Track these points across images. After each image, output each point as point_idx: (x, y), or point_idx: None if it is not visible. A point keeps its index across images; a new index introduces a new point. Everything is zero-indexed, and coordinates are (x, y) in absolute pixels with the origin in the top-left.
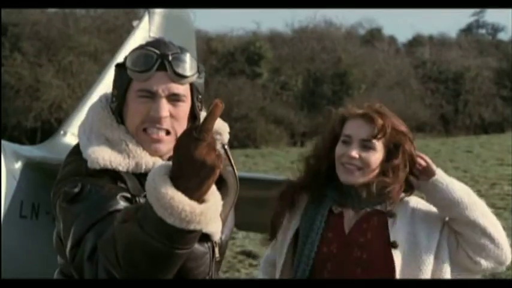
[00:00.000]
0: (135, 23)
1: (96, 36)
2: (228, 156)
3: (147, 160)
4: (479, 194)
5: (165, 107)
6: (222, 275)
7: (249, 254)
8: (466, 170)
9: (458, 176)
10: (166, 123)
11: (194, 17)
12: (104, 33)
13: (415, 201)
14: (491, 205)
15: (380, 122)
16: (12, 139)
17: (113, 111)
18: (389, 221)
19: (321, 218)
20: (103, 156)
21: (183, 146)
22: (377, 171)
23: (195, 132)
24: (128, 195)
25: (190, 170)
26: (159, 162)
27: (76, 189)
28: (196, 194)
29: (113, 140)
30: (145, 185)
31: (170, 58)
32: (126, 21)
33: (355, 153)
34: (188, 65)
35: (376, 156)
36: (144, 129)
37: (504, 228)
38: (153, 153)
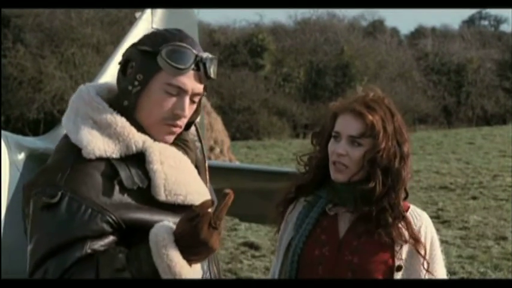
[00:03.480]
0: (137, 14)
1: (99, 28)
2: (198, 133)
3: (136, 140)
4: (482, 185)
5: (188, 106)
6: (225, 266)
7: (251, 245)
8: (468, 162)
9: (460, 167)
10: (184, 121)
11: (197, 9)
12: (106, 25)
13: (426, 222)
14: (493, 196)
15: (369, 118)
16: (15, 130)
17: (126, 93)
18: (397, 243)
19: (309, 220)
20: (98, 146)
21: (201, 231)
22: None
23: (213, 222)
24: (110, 219)
25: (199, 249)
26: (148, 141)
27: (54, 200)
28: (192, 263)
29: (100, 122)
30: (153, 245)
31: (205, 60)
32: (129, 13)
33: (342, 150)
34: (216, 69)
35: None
36: (165, 123)
37: (506, 220)
38: (164, 141)
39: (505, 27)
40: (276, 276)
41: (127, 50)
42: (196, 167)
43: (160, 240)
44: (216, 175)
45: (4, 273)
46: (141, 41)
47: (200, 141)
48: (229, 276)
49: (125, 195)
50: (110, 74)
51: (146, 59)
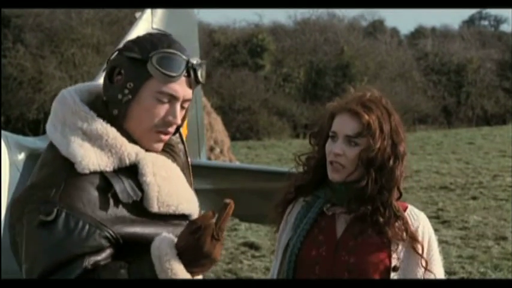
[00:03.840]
0: (137, 14)
1: (99, 28)
2: (180, 135)
3: (129, 152)
4: (482, 185)
5: (179, 112)
6: (225, 266)
7: (251, 246)
8: (468, 162)
9: (460, 167)
10: (175, 127)
11: (197, 9)
12: (106, 25)
13: (424, 222)
14: (493, 197)
15: (366, 118)
16: (15, 131)
17: (115, 102)
18: (393, 243)
19: (307, 221)
20: (92, 161)
21: (204, 244)
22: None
23: (215, 234)
24: (108, 234)
25: (202, 261)
26: (141, 153)
27: (50, 218)
28: (195, 275)
29: (91, 134)
30: (155, 259)
31: (195, 66)
32: (129, 13)
33: (338, 150)
34: (205, 73)
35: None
36: (156, 131)
37: (506, 220)
38: (153, 149)
39: (505, 27)
40: (275, 276)
41: (113, 57)
42: (182, 170)
43: (163, 254)
44: (216, 175)
45: (4, 273)
46: (128, 47)
47: (183, 143)
48: (229, 276)
49: (119, 208)
50: None
51: (136, 66)
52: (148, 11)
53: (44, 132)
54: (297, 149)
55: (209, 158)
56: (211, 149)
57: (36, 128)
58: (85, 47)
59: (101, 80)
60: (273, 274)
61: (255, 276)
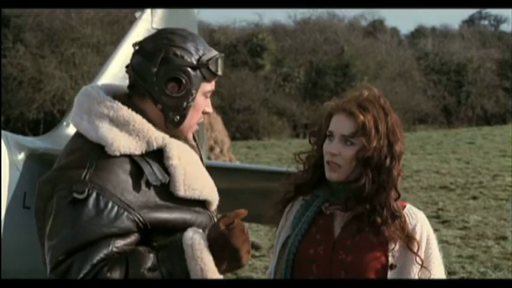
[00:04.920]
0: (137, 14)
1: (99, 28)
2: (194, 138)
3: (156, 137)
4: (482, 185)
5: None
6: None
7: (251, 245)
8: (468, 162)
9: (460, 167)
10: None
11: (197, 9)
12: (106, 25)
13: (422, 220)
14: (493, 196)
15: (361, 118)
16: (15, 130)
17: (179, 109)
18: (390, 242)
19: (305, 219)
20: (123, 143)
21: (233, 235)
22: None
23: (245, 230)
24: (136, 218)
25: (229, 253)
26: (166, 137)
27: (82, 196)
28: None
29: (118, 120)
30: (187, 247)
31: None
32: (129, 13)
33: (334, 150)
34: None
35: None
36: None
37: (506, 220)
38: (189, 137)
39: (505, 27)
40: (273, 272)
41: (167, 68)
42: None
43: (196, 243)
44: (216, 175)
45: (4, 273)
46: (176, 55)
47: (195, 140)
48: (229, 276)
49: (146, 192)
50: (110, 74)
51: (195, 74)
52: (148, 11)
53: (44, 132)
54: (297, 149)
55: (209, 158)
56: (211, 149)
57: (36, 127)
58: (85, 47)
59: (124, 82)
60: (270, 271)
61: (255, 276)
